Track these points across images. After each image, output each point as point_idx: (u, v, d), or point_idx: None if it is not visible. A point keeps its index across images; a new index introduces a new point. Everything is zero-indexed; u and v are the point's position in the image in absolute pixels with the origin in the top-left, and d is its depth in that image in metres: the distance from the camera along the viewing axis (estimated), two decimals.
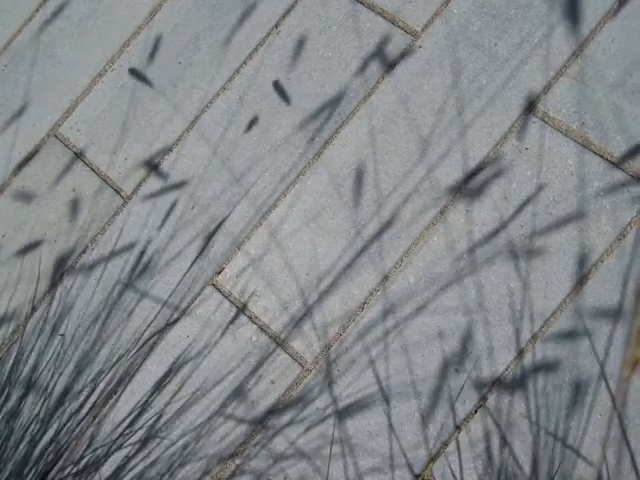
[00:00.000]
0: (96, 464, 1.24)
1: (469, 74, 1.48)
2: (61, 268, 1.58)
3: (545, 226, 1.36)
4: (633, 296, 1.28)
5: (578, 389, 1.27)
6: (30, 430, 1.24)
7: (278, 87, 1.52)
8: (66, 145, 1.67)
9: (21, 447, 1.23)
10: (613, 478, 1.20)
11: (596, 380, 1.27)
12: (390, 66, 1.53)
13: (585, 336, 1.29)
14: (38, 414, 1.25)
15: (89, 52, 1.73)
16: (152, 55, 1.67)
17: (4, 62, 1.78)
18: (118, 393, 1.45)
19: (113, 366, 1.43)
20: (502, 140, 1.43)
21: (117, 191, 1.61)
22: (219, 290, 1.49)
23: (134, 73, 1.62)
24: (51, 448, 1.24)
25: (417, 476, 1.30)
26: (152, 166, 1.60)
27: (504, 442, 1.27)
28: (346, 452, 1.34)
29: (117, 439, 1.26)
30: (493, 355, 1.32)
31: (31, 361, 1.44)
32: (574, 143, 1.39)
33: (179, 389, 1.42)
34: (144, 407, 1.33)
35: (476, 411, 1.31)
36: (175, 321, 1.48)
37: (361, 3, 1.59)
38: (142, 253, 1.54)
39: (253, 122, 1.56)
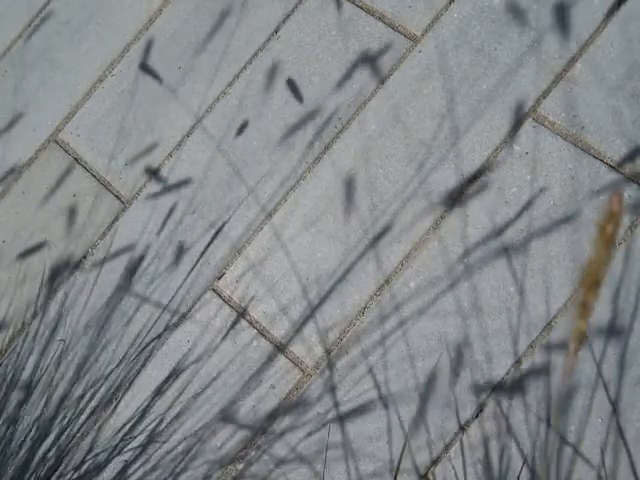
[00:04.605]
0: (97, 469, 1.24)
1: (469, 79, 1.48)
2: (61, 273, 1.58)
3: (545, 230, 1.36)
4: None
5: (578, 393, 1.27)
6: (30, 436, 1.23)
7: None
8: (66, 150, 1.68)
9: (21, 453, 1.23)
10: None
11: (596, 384, 1.27)
12: (390, 71, 1.53)
13: (585, 339, 1.29)
14: (38, 419, 1.25)
15: (88, 57, 1.73)
16: (151, 60, 1.68)
17: (4, 68, 1.78)
18: (118, 398, 1.45)
19: (113, 371, 1.43)
20: (502, 144, 1.43)
21: (117, 196, 1.61)
22: (219, 295, 1.49)
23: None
24: (52, 453, 1.23)
25: (422, 476, 1.30)
26: (152, 171, 1.60)
27: (504, 446, 1.27)
28: (347, 456, 1.34)
29: (118, 444, 1.26)
30: (493, 359, 1.32)
31: (31, 366, 1.44)
32: (574, 147, 1.39)
33: (179, 394, 1.42)
34: (145, 412, 1.33)
35: (477, 415, 1.31)
36: (175, 326, 1.48)
37: (361, 8, 1.59)
38: (142, 258, 1.54)
39: (244, 126, 1.56)
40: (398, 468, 1.31)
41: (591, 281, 0.72)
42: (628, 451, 1.21)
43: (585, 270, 0.72)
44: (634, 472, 1.21)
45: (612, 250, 0.73)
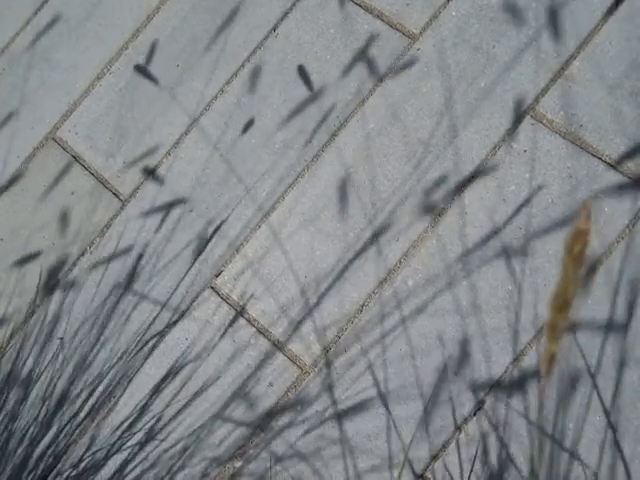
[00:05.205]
0: (95, 467, 1.23)
1: (467, 77, 1.48)
2: (59, 271, 1.58)
3: (543, 228, 1.36)
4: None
5: (577, 391, 1.27)
6: (29, 434, 1.23)
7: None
8: (64, 148, 1.67)
9: (20, 451, 1.22)
10: None
11: (595, 382, 1.27)
12: (388, 69, 1.53)
13: (584, 337, 1.29)
14: (37, 417, 1.25)
15: (87, 55, 1.73)
16: (150, 58, 1.68)
17: (2, 66, 1.78)
18: (117, 396, 1.45)
19: (112, 369, 1.43)
20: (500, 142, 1.43)
21: (115, 194, 1.61)
22: (217, 293, 1.49)
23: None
24: (50, 451, 1.23)
25: (419, 476, 1.30)
26: (150, 169, 1.60)
27: (502, 444, 1.28)
28: (345, 454, 1.34)
29: (116, 442, 1.26)
30: (492, 358, 1.32)
31: (30, 364, 1.43)
32: (572, 145, 1.39)
33: (178, 392, 1.42)
34: (143, 410, 1.33)
35: (475, 414, 1.31)
36: (174, 324, 1.48)
37: (359, 6, 1.59)
38: (140, 256, 1.54)
39: (249, 125, 1.57)
40: (403, 467, 1.31)
41: (559, 302, 0.69)
42: (623, 457, 1.21)
43: (553, 291, 0.69)
44: (627, 473, 1.21)
45: (580, 270, 0.68)
